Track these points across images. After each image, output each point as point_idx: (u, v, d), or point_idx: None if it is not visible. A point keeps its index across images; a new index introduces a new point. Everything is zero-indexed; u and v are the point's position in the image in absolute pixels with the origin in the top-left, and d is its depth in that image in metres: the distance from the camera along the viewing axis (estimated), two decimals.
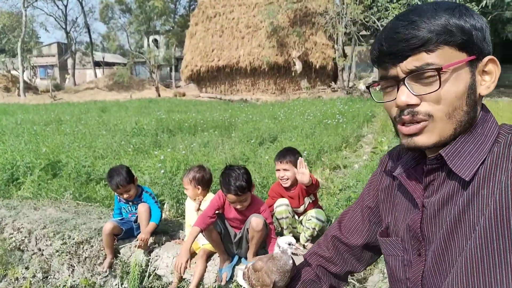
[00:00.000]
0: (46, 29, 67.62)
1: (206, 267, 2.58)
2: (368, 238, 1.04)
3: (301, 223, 2.77)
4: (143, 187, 2.97)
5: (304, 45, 18.99)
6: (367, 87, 0.95)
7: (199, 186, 2.70)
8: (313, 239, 2.72)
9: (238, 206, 2.37)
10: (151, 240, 2.84)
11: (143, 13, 30.04)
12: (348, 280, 2.48)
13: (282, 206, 2.65)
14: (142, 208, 2.78)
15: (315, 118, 8.53)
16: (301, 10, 19.32)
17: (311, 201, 2.77)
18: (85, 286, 2.89)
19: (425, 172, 0.83)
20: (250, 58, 20.09)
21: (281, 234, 2.76)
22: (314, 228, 2.66)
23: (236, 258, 2.58)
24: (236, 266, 2.52)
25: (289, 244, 1.11)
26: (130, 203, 2.89)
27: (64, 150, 5.38)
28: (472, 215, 0.71)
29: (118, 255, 2.89)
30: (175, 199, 3.53)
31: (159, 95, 24.77)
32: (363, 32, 18.61)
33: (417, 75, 0.73)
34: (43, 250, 3.10)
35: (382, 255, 1.00)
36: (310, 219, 2.67)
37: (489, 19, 12.31)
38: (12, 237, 3.18)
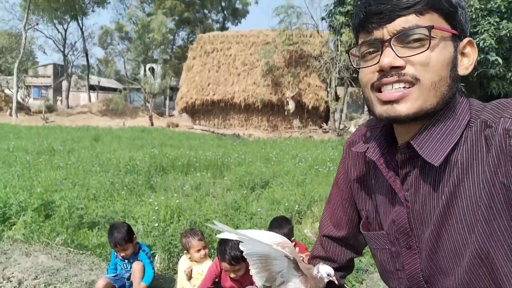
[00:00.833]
0: (45, 51, 67.94)
1: None
2: (356, 227, 1.04)
3: None
4: (141, 245, 3.01)
5: (298, 86, 19.56)
6: (347, 52, 0.91)
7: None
8: None
9: (232, 275, 2.43)
10: None
11: (142, 44, 30.63)
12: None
13: None
14: (136, 267, 2.82)
15: (306, 163, 8.71)
16: (296, 52, 19.99)
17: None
18: None
19: (400, 164, 0.82)
20: (245, 94, 20.52)
21: None
22: None
23: None
24: None
25: (328, 275, 1.09)
26: (126, 260, 2.93)
27: (57, 188, 5.40)
28: (459, 207, 0.73)
29: None
30: (167, 252, 3.57)
31: (152, 124, 24.88)
32: (356, 75, 19.24)
33: (403, 39, 0.72)
34: None
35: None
36: None
37: (475, 74, 12.94)
38: (1, 287, 3.17)
